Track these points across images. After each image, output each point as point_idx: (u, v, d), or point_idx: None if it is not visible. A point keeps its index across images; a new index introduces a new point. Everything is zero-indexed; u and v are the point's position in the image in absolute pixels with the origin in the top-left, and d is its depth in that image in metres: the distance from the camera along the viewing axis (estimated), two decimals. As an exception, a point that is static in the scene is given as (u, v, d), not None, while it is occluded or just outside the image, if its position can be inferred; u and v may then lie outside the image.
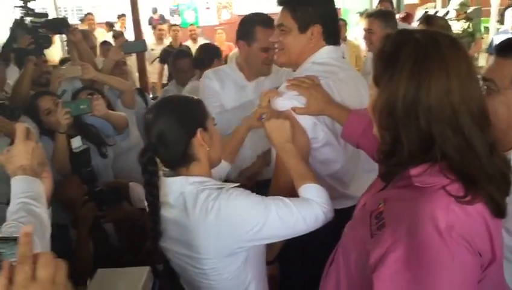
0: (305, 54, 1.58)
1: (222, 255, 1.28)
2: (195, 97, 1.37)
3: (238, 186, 1.30)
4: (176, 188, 1.29)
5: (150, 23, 8.85)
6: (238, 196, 1.26)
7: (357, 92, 1.60)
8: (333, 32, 1.58)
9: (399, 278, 0.88)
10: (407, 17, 5.88)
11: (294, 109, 1.46)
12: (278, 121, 1.41)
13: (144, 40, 3.51)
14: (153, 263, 1.46)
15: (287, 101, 1.48)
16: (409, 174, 0.95)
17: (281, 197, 1.30)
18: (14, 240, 0.72)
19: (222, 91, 2.23)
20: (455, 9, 5.41)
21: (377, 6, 4.51)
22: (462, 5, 5.37)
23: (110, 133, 2.49)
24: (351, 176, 1.61)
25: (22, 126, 1.29)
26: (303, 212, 1.28)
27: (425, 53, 0.90)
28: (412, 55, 0.90)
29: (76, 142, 2.06)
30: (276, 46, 1.64)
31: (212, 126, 1.34)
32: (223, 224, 1.23)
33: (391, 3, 4.59)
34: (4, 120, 2.09)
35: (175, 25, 6.89)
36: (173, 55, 3.55)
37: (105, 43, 4.63)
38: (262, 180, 2.08)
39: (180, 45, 6.25)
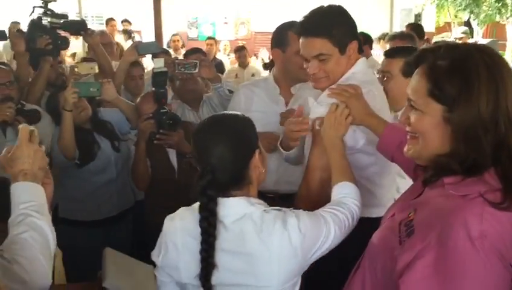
0: (345, 71, 1.58)
1: (285, 281, 1.19)
2: (246, 116, 1.29)
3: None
4: (238, 210, 1.20)
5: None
6: (303, 215, 1.22)
7: (385, 102, 1.62)
8: (360, 42, 1.60)
9: (427, 284, 0.87)
10: (427, 41, 6.04)
11: None
12: (336, 113, 1.39)
13: (157, 42, 3.46)
14: None
15: (325, 108, 1.44)
16: (443, 183, 0.94)
17: (326, 209, 1.29)
18: None
19: (247, 110, 2.03)
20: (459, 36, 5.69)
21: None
22: (464, 33, 5.65)
23: (126, 130, 2.51)
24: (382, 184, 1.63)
25: (25, 128, 1.25)
26: (347, 215, 1.29)
27: (493, 61, 0.93)
28: (483, 64, 0.92)
29: (158, 63, 2.23)
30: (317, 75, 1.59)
31: (261, 147, 1.28)
32: (297, 247, 1.16)
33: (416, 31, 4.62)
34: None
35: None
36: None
37: None
38: (285, 194, 1.98)
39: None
